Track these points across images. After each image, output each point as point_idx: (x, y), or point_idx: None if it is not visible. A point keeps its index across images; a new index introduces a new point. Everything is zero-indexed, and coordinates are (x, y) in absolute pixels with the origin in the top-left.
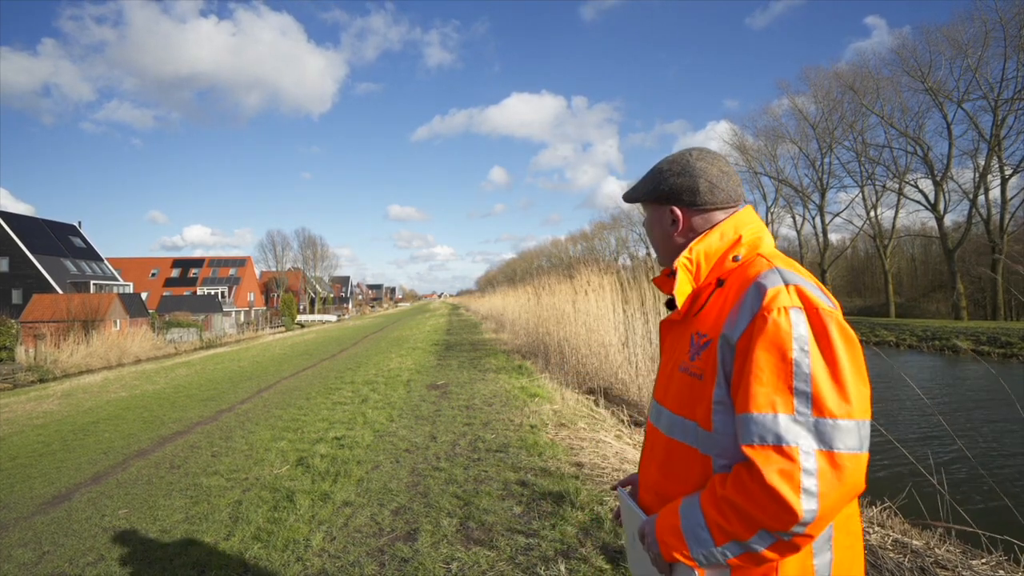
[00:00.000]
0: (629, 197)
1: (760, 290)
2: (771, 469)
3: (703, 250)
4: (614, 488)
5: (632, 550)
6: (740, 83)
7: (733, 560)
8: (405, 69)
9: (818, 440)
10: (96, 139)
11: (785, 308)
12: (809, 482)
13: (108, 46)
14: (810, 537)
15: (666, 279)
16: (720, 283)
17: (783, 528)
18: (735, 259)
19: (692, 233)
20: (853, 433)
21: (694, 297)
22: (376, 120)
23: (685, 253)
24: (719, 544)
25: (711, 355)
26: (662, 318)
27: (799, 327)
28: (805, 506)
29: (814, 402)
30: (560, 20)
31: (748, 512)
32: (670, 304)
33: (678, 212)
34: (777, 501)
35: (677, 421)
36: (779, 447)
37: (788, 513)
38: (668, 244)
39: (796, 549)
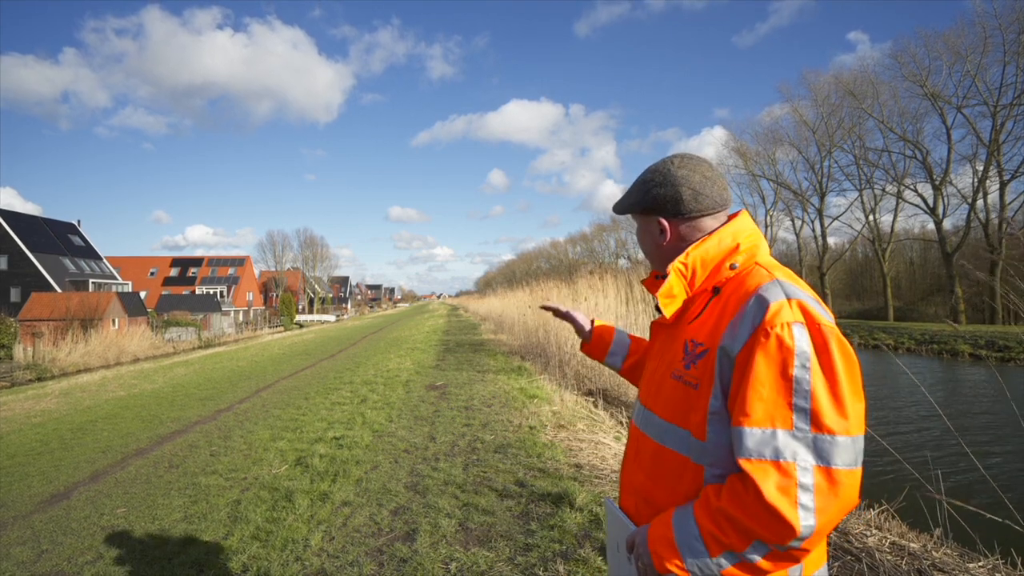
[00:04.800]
0: (618, 209)
1: (762, 303)
2: (769, 484)
3: (700, 256)
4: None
5: (616, 559)
6: (731, 91)
7: (728, 571)
8: (409, 80)
9: (816, 456)
10: (108, 143)
11: (788, 323)
12: (806, 498)
13: (127, 56)
14: (807, 551)
15: (655, 281)
16: (716, 291)
17: (780, 542)
18: (732, 267)
19: (682, 243)
20: (849, 449)
21: (688, 303)
22: (379, 126)
23: (680, 258)
24: (714, 555)
25: (708, 365)
26: (653, 320)
27: (801, 343)
28: (803, 522)
29: (813, 418)
30: (559, 32)
31: (745, 525)
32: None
33: (664, 223)
34: (775, 516)
35: (668, 428)
36: (776, 462)
37: (786, 528)
38: (659, 254)
39: (794, 560)
